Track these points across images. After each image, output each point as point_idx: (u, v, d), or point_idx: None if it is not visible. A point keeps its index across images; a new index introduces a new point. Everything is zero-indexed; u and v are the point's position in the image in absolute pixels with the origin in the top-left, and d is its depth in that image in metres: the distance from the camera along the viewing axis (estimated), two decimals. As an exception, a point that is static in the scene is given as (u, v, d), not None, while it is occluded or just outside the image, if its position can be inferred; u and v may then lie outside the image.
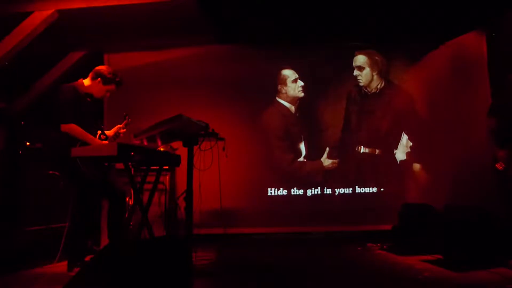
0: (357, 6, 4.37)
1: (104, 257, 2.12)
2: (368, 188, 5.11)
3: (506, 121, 3.52)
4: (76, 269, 2.95)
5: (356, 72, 5.32)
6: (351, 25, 4.80)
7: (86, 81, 3.24)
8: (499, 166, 3.48)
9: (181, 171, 3.96)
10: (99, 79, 3.20)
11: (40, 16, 3.90)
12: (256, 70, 5.25)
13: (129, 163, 2.89)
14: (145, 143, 2.98)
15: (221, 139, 3.85)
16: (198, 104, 4.83)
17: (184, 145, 2.74)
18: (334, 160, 5.17)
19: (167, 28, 4.65)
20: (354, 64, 5.33)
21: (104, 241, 4.00)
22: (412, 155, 5.19)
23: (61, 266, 3.25)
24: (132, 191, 3.83)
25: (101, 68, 3.27)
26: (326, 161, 5.18)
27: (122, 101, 4.70)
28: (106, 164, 3.21)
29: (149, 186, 3.38)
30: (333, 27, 4.87)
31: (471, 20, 4.75)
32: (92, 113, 3.31)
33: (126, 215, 3.48)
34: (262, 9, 4.33)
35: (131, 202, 3.91)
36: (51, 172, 4.33)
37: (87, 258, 3.06)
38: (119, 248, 2.25)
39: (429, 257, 3.43)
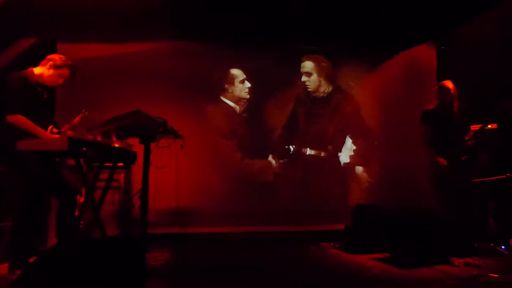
0: (315, 14, 4.51)
1: (50, 258, 2.01)
2: (316, 189, 5.25)
3: (438, 128, 3.79)
4: (18, 272, 2.77)
5: (304, 78, 5.47)
6: (304, 30, 4.93)
7: (37, 69, 3.05)
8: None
9: (137, 168, 3.86)
10: (50, 63, 3.04)
11: (-14, -2, 3.63)
12: (215, 67, 5.25)
13: (81, 159, 2.77)
14: (99, 138, 2.87)
15: (180, 137, 3.78)
16: (157, 100, 4.73)
17: (141, 142, 2.67)
18: (281, 161, 5.28)
19: (125, 21, 4.51)
20: (301, 70, 5.48)
21: (51, 241, 3.80)
22: (355, 158, 5.43)
23: (2, 268, 3.04)
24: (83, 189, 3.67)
25: (52, 54, 3.13)
26: (272, 162, 5.28)
27: (75, 94, 4.48)
28: (57, 159, 3.05)
29: (103, 184, 3.26)
30: (284, 31, 4.96)
31: (423, 33, 5.09)
32: (44, 104, 3.13)
33: (76, 214, 3.33)
34: (218, 7, 4.34)
35: (81, 200, 3.74)
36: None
37: (31, 260, 2.89)
38: (68, 248, 2.15)
39: (378, 256, 3.59)
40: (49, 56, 3.10)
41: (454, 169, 3.72)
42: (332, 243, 4.23)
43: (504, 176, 3.37)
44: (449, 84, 3.85)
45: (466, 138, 3.68)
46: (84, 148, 2.61)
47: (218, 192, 5.07)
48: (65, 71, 3.10)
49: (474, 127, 3.77)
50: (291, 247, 4.32)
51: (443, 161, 3.74)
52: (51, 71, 3.05)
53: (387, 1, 4.23)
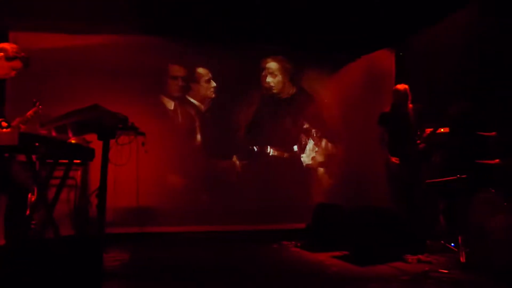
0: (282, 17, 4.58)
1: (-3, 259, 1.88)
2: (279, 189, 5.29)
3: (394, 130, 3.97)
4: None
5: (268, 79, 5.52)
6: (270, 33, 5.01)
7: None
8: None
9: (95, 166, 3.72)
10: (1, 54, 2.85)
11: None
12: (180, 65, 5.17)
13: (33, 155, 2.61)
14: (54, 133, 2.72)
15: (141, 133, 3.68)
16: (118, 96, 4.57)
17: (99, 138, 2.56)
18: (244, 161, 5.29)
19: (85, 11, 4.32)
20: (267, 71, 5.53)
21: (-1, 241, 3.56)
22: (317, 158, 5.55)
23: None
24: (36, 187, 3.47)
25: (3, 44, 2.92)
26: (237, 161, 5.28)
27: (28, 86, 4.23)
28: (6, 154, 2.86)
29: (58, 182, 3.10)
30: (251, 32, 4.99)
31: (383, 39, 5.31)
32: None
33: (28, 213, 3.14)
34: (184, 3, 4.28)
35: (33, 198, 3.54)
36: None
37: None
38: (17, 250, 2.03)
39: (338, 254, 3.68)
40: (0, 46, 2.90)
41: (406, 169, 3.89)
42: (293, 242, 4.28)
43: (454, 177, 3.56)
44: (401, 87, 4.03)
45: (418, 141, 3.86)
46: (36, 144, 2.46)
47: (180, 191, 4.99)
48: (17, 63, 2.91)
49: (428, 130, 3.96)
50: (253, 246, 4.33)
51: (396, 160, 3.90)
52: (2, 63, 2.86)
53: (350, 7, 4.38)
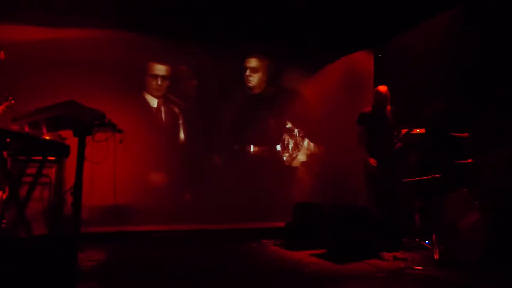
0: (266, 16, 4.60)
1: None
2: (259, 188, 5.30)
3: (373, 130, 4.05)
4: None
5: (250, 78, 5.54)
6: (252, 31, 5.02)
7: None
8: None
9: (71, 163, 3.62)
10: None
11: None
12: (161, 62, 5.10)
13: (4, 152, 2.52)
14: (26, 129, 2.63)
15: (119, 130, 3.59)
16: (96, 92, 4.47)
17: (75, 135, 2.50)
18: (226, 160, 5.28)
19: (64, 3, 4.20)
20: (249, 70, 5.53)
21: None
22: (297, 157, 5.61)
23: None
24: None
25: None
26: (218, 160, 5.27)
27: (1, 80, 4.09)
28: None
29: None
30: (234, 31, 5.00)
31: (362, 40, 5.41)
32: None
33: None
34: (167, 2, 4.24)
35: (4, 196, 3.41)
36: None
37: None
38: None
39: (316, 252, 3.71)
40: None
41: (383, 169, 3.97)
42: (272, 240, 4.30)
43: (429, 176, 3.65)
44: (382, 89, 4.10)
45: (395, 140, 3.94)
46: (8, 139, 2.37)
47: (160, 189, 4.92)
48: None
49: (404, 131, 4.06)
50: (232, 244, 4.31)
51: (373, 161, 3.97)
52: None
53: (332, 10, 4.44)
